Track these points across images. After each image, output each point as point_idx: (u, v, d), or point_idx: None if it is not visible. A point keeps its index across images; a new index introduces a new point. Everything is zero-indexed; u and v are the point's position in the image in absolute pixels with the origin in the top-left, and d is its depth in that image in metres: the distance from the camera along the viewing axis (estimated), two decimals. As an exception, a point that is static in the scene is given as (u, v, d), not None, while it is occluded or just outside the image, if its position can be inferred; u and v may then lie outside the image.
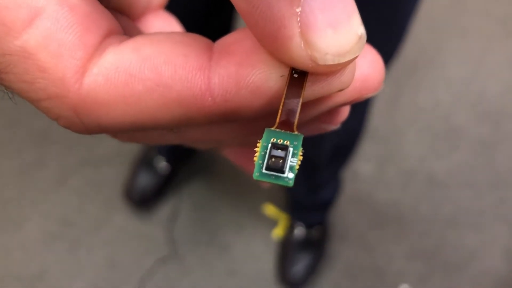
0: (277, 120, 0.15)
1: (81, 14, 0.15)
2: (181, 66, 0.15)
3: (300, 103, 0.15)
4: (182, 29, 0.25)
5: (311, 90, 0.15)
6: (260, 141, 0.15)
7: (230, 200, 1.18)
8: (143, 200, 1.15)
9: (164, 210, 1.16)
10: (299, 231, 1.12)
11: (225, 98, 0.15)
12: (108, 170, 1.19)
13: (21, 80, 0.15)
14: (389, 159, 1.24)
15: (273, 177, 0.14)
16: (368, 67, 0.18)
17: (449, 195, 1.20)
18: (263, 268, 1.11)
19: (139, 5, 0.22)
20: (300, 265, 1.09)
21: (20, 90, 0.15)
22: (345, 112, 0.20)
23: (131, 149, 1.20)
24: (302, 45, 0.13)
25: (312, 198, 1.05)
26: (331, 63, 0.14)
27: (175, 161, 1.17)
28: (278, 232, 1.14)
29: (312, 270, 1.10)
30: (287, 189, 1.08)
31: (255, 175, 0.15)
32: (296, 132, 0.15)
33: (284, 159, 0.14)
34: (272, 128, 0.15)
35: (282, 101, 0.15)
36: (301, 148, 0.15)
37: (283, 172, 0.14)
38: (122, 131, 0.16)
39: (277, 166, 0.14)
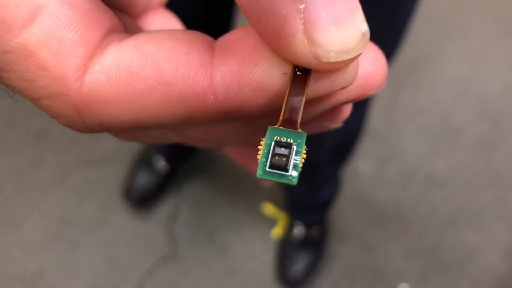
0: (280, 118, 0.15)
1: (82, 11, 0.15)
2: (183, 64, 0.15)
3: (303, 101, 0.15)
4: (183, 27, 0.25)
5: (314, 87, 0.15)
6: (264, 139, 0.15)
7: (229, 199, 1.18)
8: (142, 200, 1.15)
9: (163, 209, 1.16)
10: (299, 230, 1.11)
11: (228, 96, 0.15)
12: (107, 170, 1.19)
13: (21, 78, 0.15)
14: (388, 158, 1.24)
15: (277, 175, 0.14)
16: (371, 65, 0.18)
17: (448, 194, 1.20)
18: (263, 268, 1.11)
19: (139, 3, 0.21)
20: (299, 265, 1.09)
21: (20, 89, 0.15)
22: (347, 110, 0.20)
23: (130, 149, 1.20)
24: (306, 42, 0.13)
25: (312, 198, 1.05)
26: (334, 60, 0.14)
27: (174, 160, 1.17)
28: (277, 231, 1.14)
29: (312, 270, 1.10)
30: (286, 188, 1.08)
31: (259, 173, 0.14)
32: (299, 130, 0.15)
33: (288, 157, 0.14)
34: (276, 126, 0.15)
35: (285, 98, 0.15)
36: (305, 146, 0.15)
37: (286, 170, 0.14)
38: (124, 130, 0.16)
39: (280, 164, 0.14)
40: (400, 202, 1.19)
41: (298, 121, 0.15)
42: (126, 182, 1.16)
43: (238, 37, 0.15)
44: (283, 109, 0.15)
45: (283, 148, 0.14)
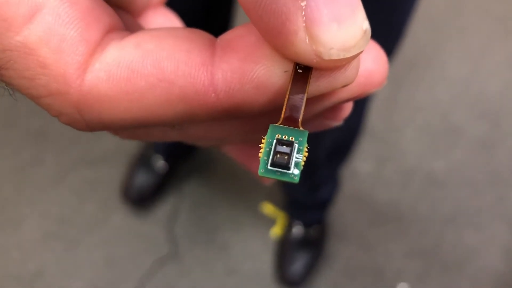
0: (282, 116, 0.15)
1: (82, 9, 0.15)
2: (184, 62, 0.15)
3: (304, 99, 0.15)
4: (183, 25, 0.25)
5: (315, 85, 0.15)
6: (265, 137, 0.15)
7: (228, 198, 1.18)
8: (141, 199, 1.15)
9: (162, 209, 1.16)
10: (298, 230, 1.11)
11: (229, 94, 0.15)
12: (107, 169, 1.19)
13: (21, 76, 0.15)
14: (387, 158, 1.24)
15: (279, 173, 0.14)
16: (372, 63, 0.18)
17: (448, 193, 1.20)
18: (262, 267, 1.11)
19: (140, 1, 0.21)
20: (298, 264, 1.09)
21: (20, 87, 0.15)
22: (348, 108, 0.20)
23: (129, 148, 1.20)
24: (307, 39, 0.13)
25: (311, 197, 1.05)
26: (336, 58, 0.14)
27: (173, 159, 1.17)
28: (276, 231, 1.14)
29: (311, 269, 1.10)
30: (285, 187, 1.08)
31: (260, 171, 0.14)
32: (301, 128, 0.15)
33: (290, 155, 0.14)
34: (277, 124, 0.15)
35: (287, 96, 0.15)
36: (306, 144, 0.15)
37: (288, 169, 0.14)
38: (124, 128, 0.16)
39: (282, 163, 0.14)
40: (399, 201, 1.19)
41: (300, 119, 0.15)
42: (125, 182, 1.16)
43: (239, 35, 0.15)
44: (284, 107, 0.15)
45: (284, 146, 0.14)
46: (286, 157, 0.14)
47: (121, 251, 1.11)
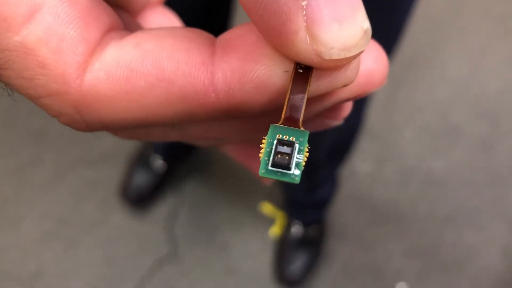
0: (282, 116, 0.15)
1: (81, 8, 0.15)
2: (184, 61, 0.15)
3: (305, 99, 0.15)
4: (182, 24, 0.25)
5: (316, 85, 0.15)
6: (266, 137, 0.15)
7: (227, 198, 1.17)
8: (139, 199, 1.15)
9: (162, 209, 1.16)
10: (297, 229, 1.11)
11: (229, 93, 0.15)
12: (106, 169, 1.19)
13: (20, 76, 0.14)
14: (386, 157, 1.24)
15: (279, 173, 0.14)
16: (372, 62, 0.17)
17: (447, 193, 1.20)
18: (261, 267, 1.11)
19: (139, 0, 0.21)
20: (297, 264, 1.09)
21: (19, 87, 0.15)
22: (348, 107, 0.20)
23: (127, 148, 1.20)
24: (308, 39, 0.13)
25: (310, 197, 1.05)
26: (336, 57, 0.14)
27: (172, 159, 1.17)
28: (275, 230, 1.14)
29: (310, 269, 1.10)
30: (284, 187, 1.08)
31: (261, 171, 0.14)
32: (302, 128, 0.15)
33: (290, 155, 0.14)
34: (278, 124, 0.15)
35: (287, 96, 0.15)
36: (307, 144, 0.15)
37: (289, 169, 0.14)
38: (124, 128, 0.16)
39: (283, 163, 0.14)
40: (399, 201, 1.19)
41: (300, 119, 0.15)
42: (124, 182, 1.16)
43: (239, 34, 0.15)
44: (285, 107, 0.15)
45: (285, 147, 0.14)
46: (287, 157, 0.14)
47: (120, 251, 1.11)
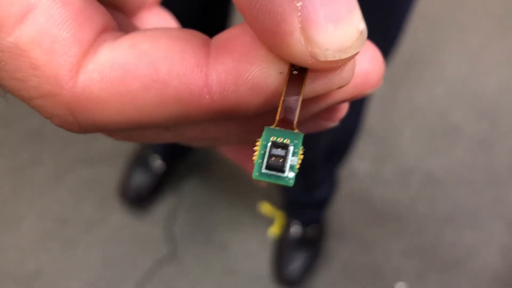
0: (277, 118, 0.15)
1: (75, 9, 0.14)
2: (178, 62, 0.14)
3: (300, 101, 0.14)
4: (178, 25, 0.24)
5: (311, 87, 0.15)
6: (260, 139, 0.15)
7: (226, 198, 1.17)
8: (138, 199, 1.15)
9: (161, 209, 1.16)
10: (295, 229, 1.11)
11: (223, 95, 0.14)
12: (104, 169, 1.19)
13: (12, 77, 0.14)
14: (385, 157, 1.24)
15: (273, 176, 0.14)
16: (368, 63, 0.17)
17: (446, 193, 1.20)
18: (260, 267, 1.11)
19: (134, 1, 0.21)
20: (296, 264, 1.09)
21: (12, 88, 0.15)
22: (344, 109, 0.20)
23: (126, 148, 1.20)
24: (302, 41, 0.13)
25: (309, 197, 1.05)
26: (331, 59, 0.14)
27: (171, 159, 1.17)
28: (274, 230, 1.14)
29: (309, 269, 1.10)
30: (283, 187, 1.08)
31: (255, 174, 0.14)
32: (296, 130, 0.15)
33: (285, 158, 0.14)
34: (272, 127, 0.15)
35: (282, 98, 0.14)
36: (302, 147, 0.14)
37: (283, 172, 0.14)
38: (118, 130, 0.16)
39: (277, 166, 0.14)
40: (398, 201, 1.19)
41: (295, 121, 0.15)
42: (123, 182, 1.16)
43: (234, 36, 0.15)
44: (279, 109, 0.15)
45: (279, 149, 0.14)
46: (281, 160, 0.14)
47: (119, 251, 1.11)
